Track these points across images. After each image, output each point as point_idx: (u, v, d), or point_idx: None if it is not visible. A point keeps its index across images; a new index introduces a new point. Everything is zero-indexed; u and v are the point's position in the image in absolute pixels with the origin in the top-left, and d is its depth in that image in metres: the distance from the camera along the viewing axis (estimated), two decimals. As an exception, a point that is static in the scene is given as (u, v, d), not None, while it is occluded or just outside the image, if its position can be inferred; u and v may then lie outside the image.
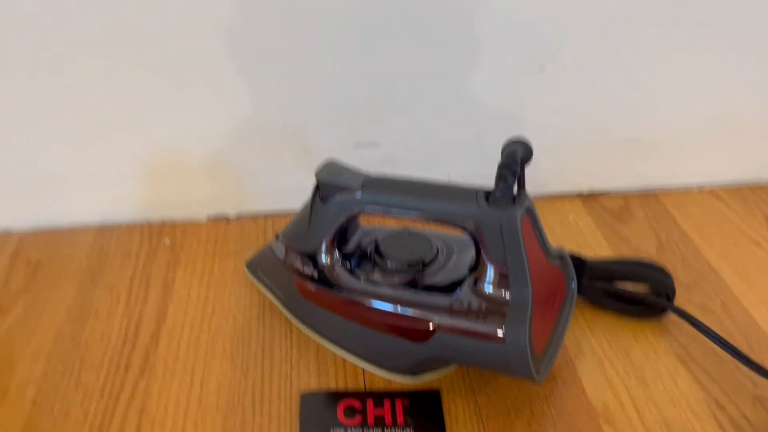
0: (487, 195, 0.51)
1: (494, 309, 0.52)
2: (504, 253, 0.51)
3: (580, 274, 0.63)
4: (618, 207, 0.79)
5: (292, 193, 0.68)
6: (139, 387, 0.58)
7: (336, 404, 0.56)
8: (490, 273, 0.52)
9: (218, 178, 0.78)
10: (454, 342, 0.53)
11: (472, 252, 0.55)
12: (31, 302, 0.68)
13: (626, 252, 0.72)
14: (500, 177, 0.50)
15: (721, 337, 0.58)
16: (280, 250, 0.64)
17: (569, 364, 0.59)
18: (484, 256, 0.52)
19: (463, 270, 0.56)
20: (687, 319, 0.60)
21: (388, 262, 0.59)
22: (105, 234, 0.77)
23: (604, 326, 0.63)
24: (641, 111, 0.77)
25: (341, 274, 0.59)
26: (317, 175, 0.58)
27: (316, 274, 0.60)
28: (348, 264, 0.60)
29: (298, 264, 0.61)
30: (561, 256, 0.58)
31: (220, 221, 0.79)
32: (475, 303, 0.53)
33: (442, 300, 0.54)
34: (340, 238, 0.60)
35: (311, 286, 0.60)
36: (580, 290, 0.63)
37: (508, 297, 0.52)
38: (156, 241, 0.76)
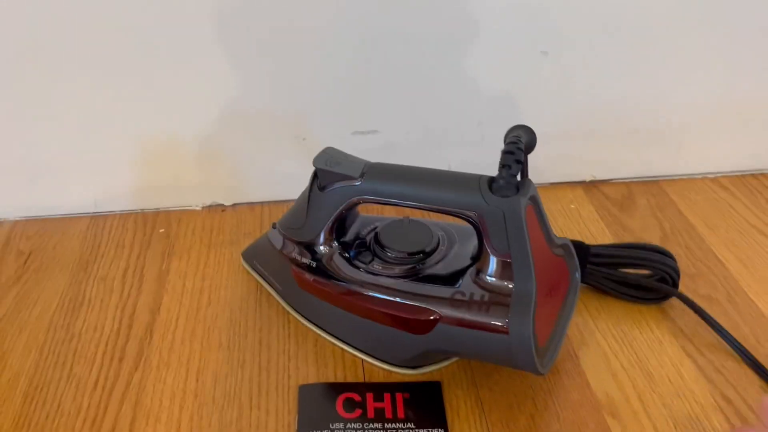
0: (491, 183, 0.50)
1: (497, 300, 0.51)
2: (507, 243, 0.50)
3: (584, 261, 0.62)
4: (620, 195, 0.78)
5: (289, 181, 0.66)
6: (134, 380, 0.57)
7: (335, 397, 0.55)
8: (493, 263, 0.51)
9: (213, 166, 0.76)
10: (455, 334, 0.52)
11: (474, 241, 0.54)
12: (22, 293, 0.66)
13: (629, 241, 0.71)
14: (504, 164, 0.49)
15: (722, 327, 0.58)
16: (277, 240, 0.63)
17: (572, 356, 0.58)
18: (486, 245, 0.51)
19: (465, 260, 0.55)
20: (691, 306, 0.60)
21: (388, 252, 0.57)
22: (98, 223, 0.76)
23: (607, 317, 0.62)
24: (644, 98, 0.76)
25: (340, 265, 0.58)
26: (315, 163, 0.57)
27: (314, 264, 0.59)
28: (347, 254, 0.58)
29: (295, 254, 0.60)
30: (564, 246, 0.57)
31: (215, 210, 0.78)
32: (478, 294, 0.52)
33: (443, 291, 0.53)
34: (339, 228, 0.59)
35: (309, 277, 0.59)
36: (584, 277, 0.62)
37: (511, 288, 0.50)
38: (150, 231, 0.74)
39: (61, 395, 0.56)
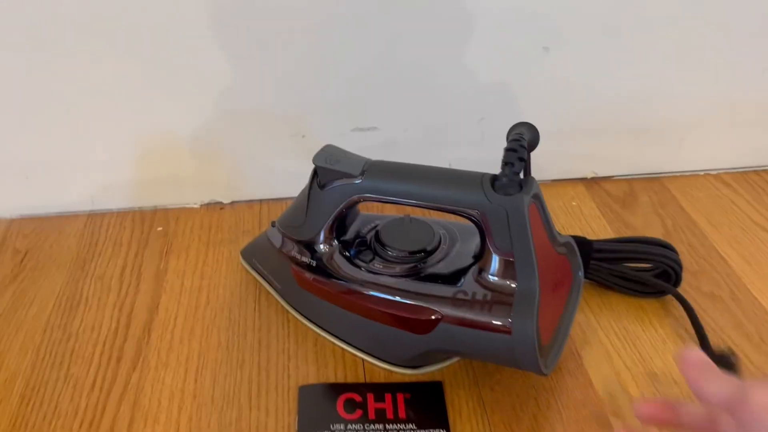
0: (493, 181, 0.50)
1: (500, 299, 0.50)
2: (510, 241, 0.49)
3: (588, 257, 0.61)
4: (622, 192, 0.78)
5: (289, 179, 0.66)
6: (132, 380, 0.57)
7: (336, 397, 0.54)
8: (496, 262, 0.51)
9: (212, 164, 0.76)
10: (457, 333, 0.51)
11: (476, 240, 0.54)
12: (19, 292, 0.66)
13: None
14: (507, 162, 0.48)
15: (704, 333, 0.57)
16: (276, 238, 0.62)
17: (575, 355, 0.58)
18: (489, 244, 0.51)
19: (467, 259, 0.55)
20: (683, 305, 0.59)
21: (389, 251, 0.57)
22: (95, 221, 0.75)
23: (610, 315, 0.61)
24: (646, 95, 0.75)
25: (340, 263, 0.57)
26: (315, 160, 0.56)
27: (314, 263, 0.58)
28: (347, 253, 0.58)
29: (295, 252, 0.59)
30: (567, 244, 0.56)
31: (213, 208, 0.77)
32: (480, 293, 0.51)
33: (445, 290, 0.52)
34: (339, 226, 0.58)
35: (309, 276, 0.58)
36: (587, 273, 0.61)
37: (514, 287, 0.50)
38: (148, 229, 0.74)
39: (58, 396, 0.55)
